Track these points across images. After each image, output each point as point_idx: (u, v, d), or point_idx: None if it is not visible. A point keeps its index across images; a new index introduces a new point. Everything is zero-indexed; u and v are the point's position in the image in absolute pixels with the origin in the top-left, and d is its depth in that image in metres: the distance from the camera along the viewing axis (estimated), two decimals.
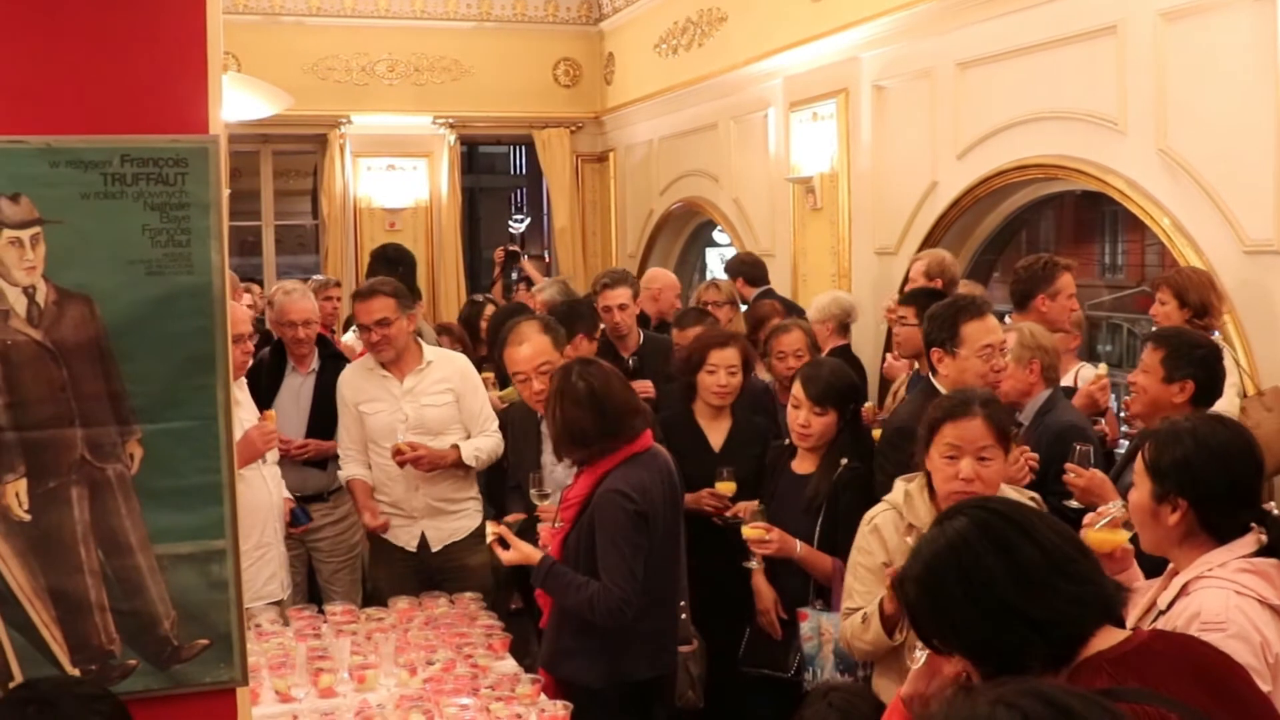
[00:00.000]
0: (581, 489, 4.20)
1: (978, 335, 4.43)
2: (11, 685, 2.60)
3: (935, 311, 4.64)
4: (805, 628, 4.49)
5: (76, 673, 2.81)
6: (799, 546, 4.62)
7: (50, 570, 2.79)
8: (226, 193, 2.93)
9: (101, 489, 2.79)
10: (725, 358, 5.38)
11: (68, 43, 2.78)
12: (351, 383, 5.68)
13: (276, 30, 11.81)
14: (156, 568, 2.83)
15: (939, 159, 7.64)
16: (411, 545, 5.59)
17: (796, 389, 4.76)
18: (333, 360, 6.18)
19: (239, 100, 7.10)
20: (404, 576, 5.48)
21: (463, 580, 5.35)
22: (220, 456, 2.85)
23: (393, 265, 6.66)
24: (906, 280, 6.85)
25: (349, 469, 5.69)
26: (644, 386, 5.95)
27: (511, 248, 11.09)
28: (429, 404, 5.55)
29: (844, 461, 4.72)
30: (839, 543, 4.45)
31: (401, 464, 5.42)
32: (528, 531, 4.65)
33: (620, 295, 6.72)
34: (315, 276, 9.13)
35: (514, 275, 11.12)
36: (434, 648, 4.28)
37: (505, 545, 4.29)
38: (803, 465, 4.87)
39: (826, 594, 4.62)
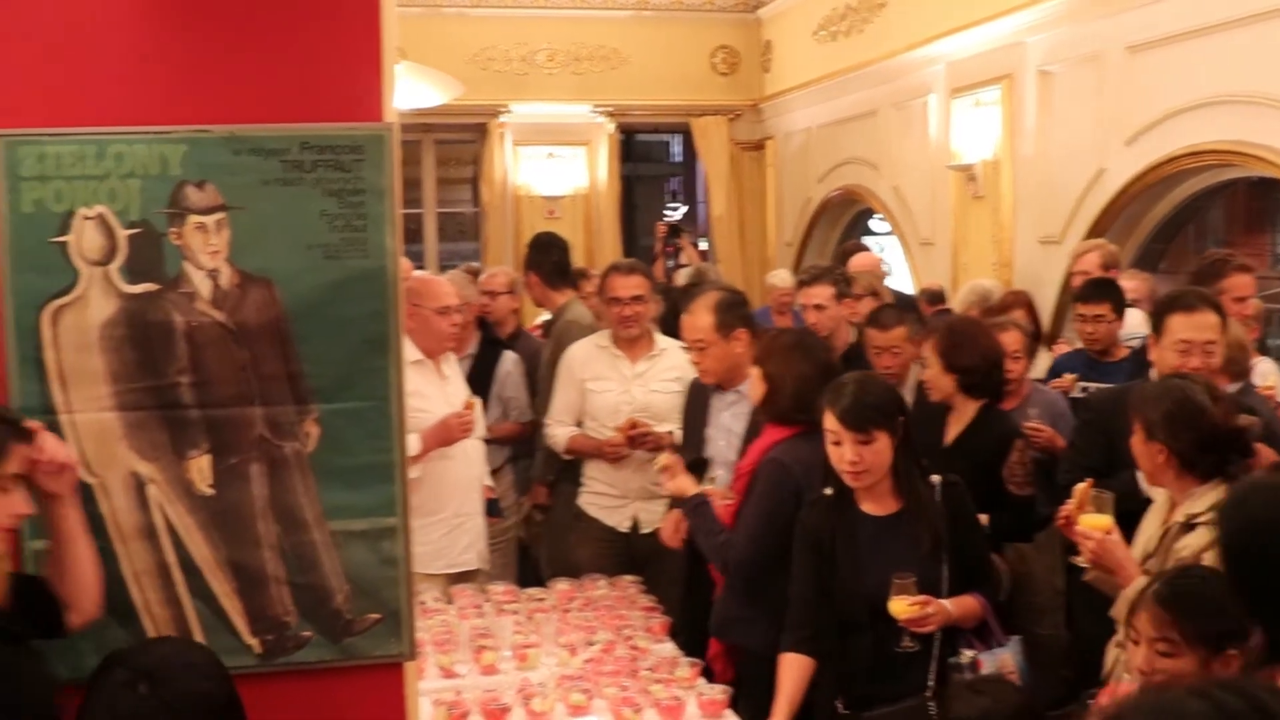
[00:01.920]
0: (750, 461, 4.28)
1: (1178, 329, 4.31)
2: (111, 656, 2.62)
3: (1159, 297, 4.59)
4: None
5: (255, 642, 2.92)
6: (950, 606, 3.72)
7: (231, 543, 2.90)
8: None
9: (280, 466, 2.89)
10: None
11: (249, 35, 2.89)
12: (580, 357, 5.75)
13: (439, 22, 12.00)
14: (330, 543, 2.93)
15: (1106, 145, 7.44)
16: (623, 526, 5.61)
17: (829, 420, 3.78)
18: (492, 345, 6.28)
19: (411, 88, 7.21)
20: (607, 557, 5.51)
21: (664, 565, 5.28)
22: (392, 436, 2.94)
23: (546, 250, 6.71)
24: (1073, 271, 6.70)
25: (561, 431, 5.75)
26: None
27: (673, 222, 11.10)
28: (657, 390, 5.58)
29: (935, 480, 3.88)
30: (971, 572, 3.86)
31: (631, 440, 5.45)
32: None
33: (819, 294, 6.14)
34: (491, 269, 9.25)
35: (675, 255, 11.14)
36: (594, 629, 4.34)
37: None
38: (875, 505, 3.85)
39: (982, 631, 3.90)
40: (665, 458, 4.56)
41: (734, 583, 4.33)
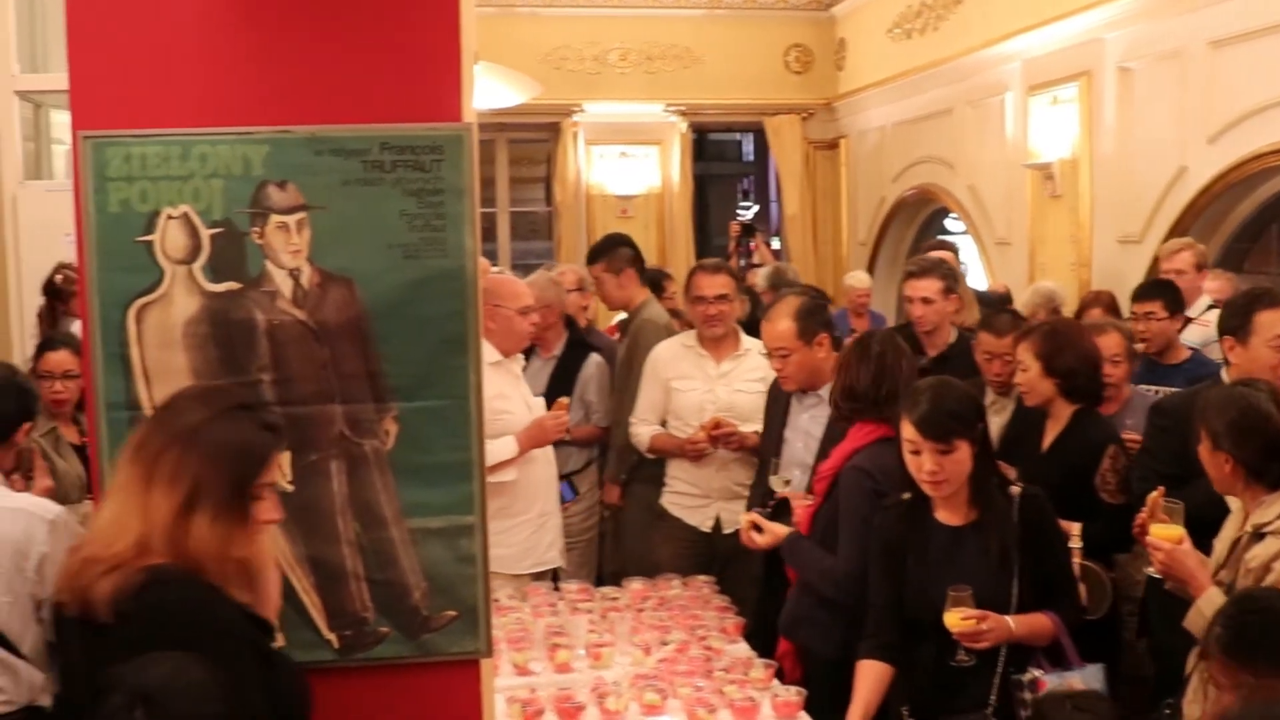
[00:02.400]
0: (834, 463, 4.25)
1: (1271, 325, 4.24)
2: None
3: (1232, 299, 4.49)
4: None
5: (333, 638, 2.95)
6: (1012, 623, 3.58)
7: (310, 539, 2.93)
8: None
9: (359, 463, 2.92)
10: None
11: (330, 36, 2.91)
12: (665, 357, 5.75)
13: (512, 22, 12.07)
14: (409, 541, 2.95)
15: (1188, 143, 7.33)
16: (705, 526, 5.59)
17: (906, 429, 3.66)
18: (577, 347, 6.28)
19: (489, 89, 7.24)
20: (688, 556, 5.50)
21: (745, 565, 5.20)
22: (471, 435, 2.95)
23: (622, 250, 6.67)
24: (1155, 270, 6.58)
25: (644, 429, 5.76)
26: None
27: (746, 221, 11.08)
28: (741, 390, 5.56)
29: (1014, 490, 3.74)
30: (1046, 589, 3.71)
31: (714, 438, 5.44)
32: None
33: (927, 287, 5.83)
34: (560, 267, 9.26)
35: (748, 255, 11.12)
36: (668, 629, 4.34)
37: (760, 531, 4.43)
38: (951, 514, 3.74)
39: (1055, 652, 3.72)
40: (747, 518, 4.54)
41: (805, 582, 4.31)
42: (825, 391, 4.76)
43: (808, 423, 4.92)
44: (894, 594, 3.74)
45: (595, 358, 6.25)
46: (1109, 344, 5.06)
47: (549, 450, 5.27)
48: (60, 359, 4.71)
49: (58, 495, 4.07)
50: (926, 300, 5.80)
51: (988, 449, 3.72)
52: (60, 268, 7.13)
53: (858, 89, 12.29)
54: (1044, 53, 8.74)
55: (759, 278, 7.46)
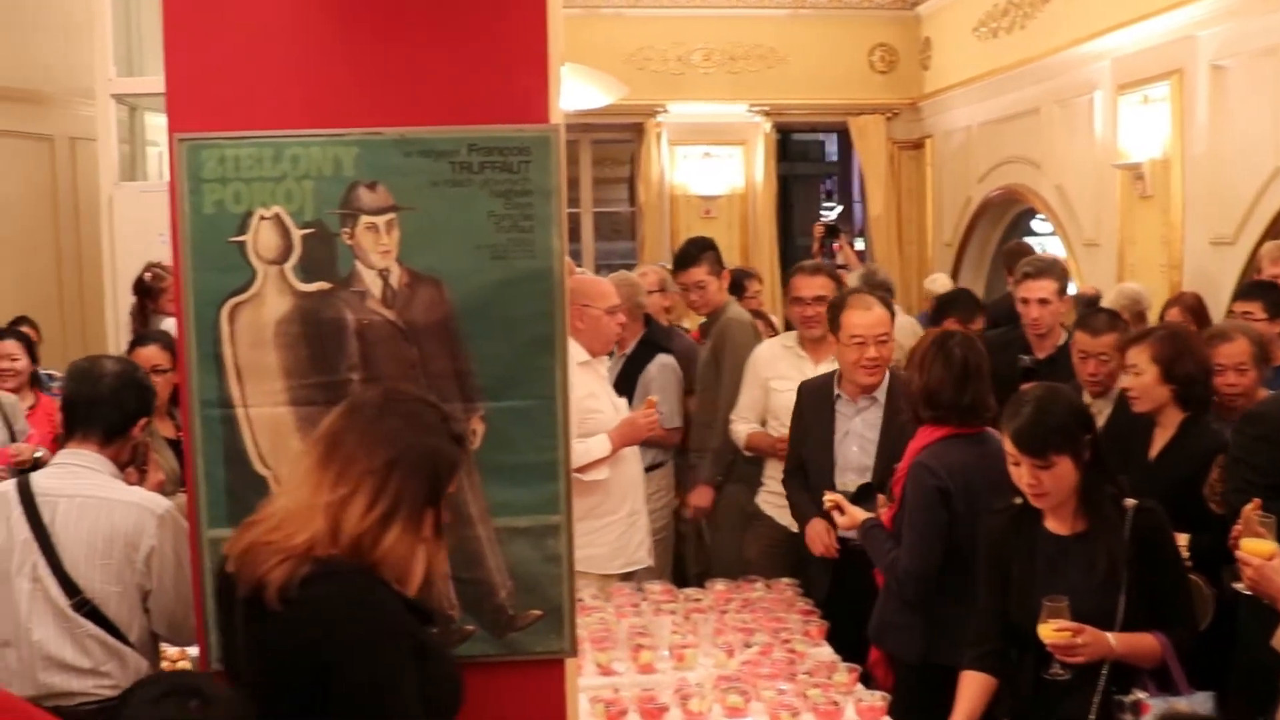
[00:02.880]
0: (906, 464, 4.22)
1: None
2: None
3: None
4: None
5: None
6: (1113, 640, 3.45)
7: None
8: None
9: None
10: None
11: (419, 38, 2.94)
12: (765, 357, 5.77)
13: (596, 22, 12.10)
14: (495, 539, 2.97)
15: None
16: (796, 527, 5.56)
17: (1006, 441, 3.58)
18: (647, 347, 6.28)
19: (576, 90, 7.27)
20: (778, 556, 5.48)
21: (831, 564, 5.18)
22: (558, 435, 2.97)
23: (711, 251, 6.65)
24: (1250, 272, 6.44)
25: (743, 427, 5.77)
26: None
27: (830, 222, 11.03)
28: None
29: (1129, 504, 3.57)
30: (1157, 608, 3.55)
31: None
32: None
33: (1045, 287, 5.77)
34: (641, 267, 9.26)
35: (832, 256, 11.06)
36: (751, 631, 4.33)
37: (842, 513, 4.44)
38: (1059, 524, 3.63)
39: (1164, 674, 3.57)
40: (830, 498, 4.53)
41: (894, 590, 4.27)
42: (880, 394, 4.85)
43: (861, 426, 4.95)
44: (999, 602, 3.66)
45: (662, 358, 6.23)
46: (1235, 351, 4.81)
47: (637, 449, 5.29)
48: (150, 354, 4.81)
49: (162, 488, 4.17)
50: (1044, 301, 5.72)
51: (1099, 459, 3.57)
52: (150, 266, 7.29)
53: (943, 88, 12.18)
54: (1134, 51, 8.59)
55: (850, 279, 7.41)
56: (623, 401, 5.35)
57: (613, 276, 6.50)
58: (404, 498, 2.43)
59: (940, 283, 9.66)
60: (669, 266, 7.13)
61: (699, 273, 6.24)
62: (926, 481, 4.07)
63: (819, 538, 4.91)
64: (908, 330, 7.18)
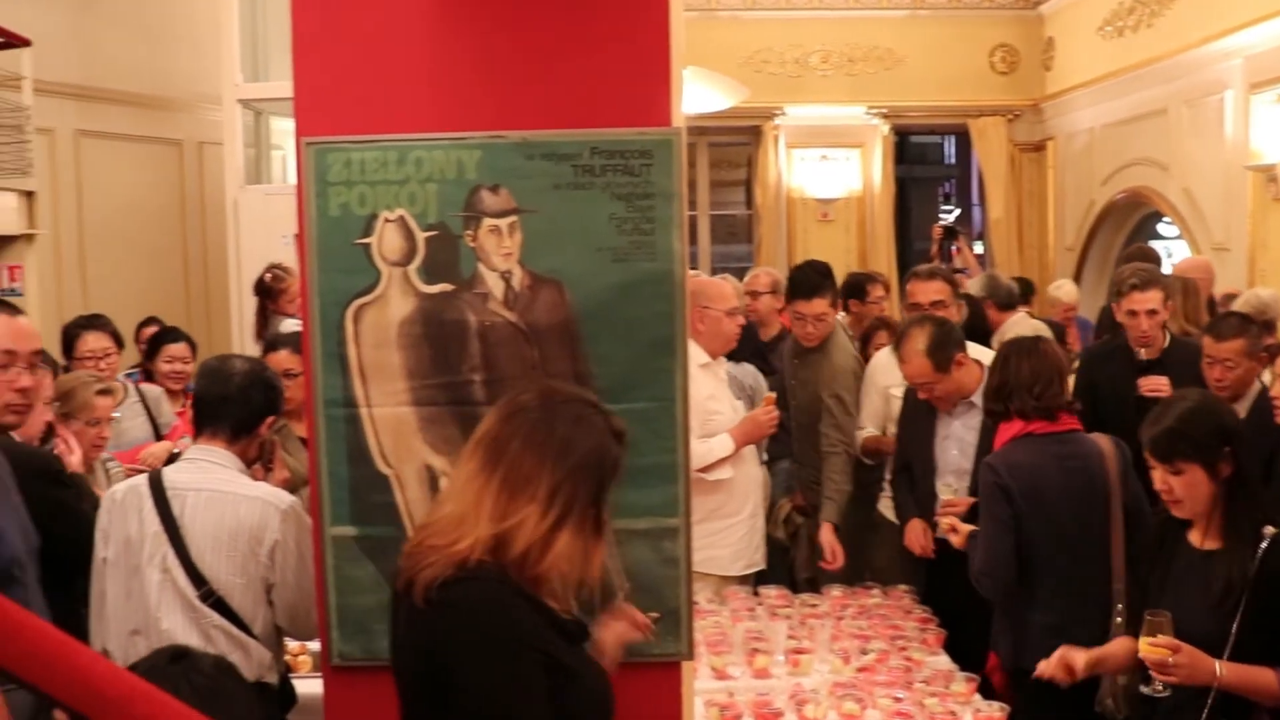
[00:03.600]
0: None
1: None
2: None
3: None
4: None
5: None
6: (1220, 667, 3.27)
7: None
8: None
9: None
10: None
11: (543, 43, 2.96)
12: (883, 364, 5.70)
13: (713, 25, 12.10)
14: (613, 541, 2.96)
15: None
16: None
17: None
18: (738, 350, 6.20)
19: (696, 93, 7.27)
20: (907, 561, 5.44)
21: (960, 568, 5.19)
22: (677, 437, 2.96)
23: (824, 276, 6.45)
24: None
25: (860, 433, 5.74)
26: (1155, 384, 5.53)
27: (949, 224, 10.89)
28: None
29: (1268, 530, 3.36)
30: (1273, 642, 3.32)
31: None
32: None
33: (1153, 298, 5.59)
34: (754, 270, 9.22)
35: (950, 258, 10.92)
36: (868, 638, 4.29)
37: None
38: (1199, 537, 3.50)
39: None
40: (946, 522, 4.50)
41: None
42: (977, 397, 4.79)
43: (961, 429, 4.94)
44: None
45: (747, 367, 6.17)
46: None
47: (754, 450, 5.28)
48: (281, 359, 4.91)
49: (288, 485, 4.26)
50: (1152, 312, 5.57)
51: (1239, 477, 3.42)
52: (270, 268, 7.43)
53: (1066, 89, 11.97)
54: (1268, 48, 8.37)
55: (972, 284, 7.29)
56: (739, 404, 5.34)
57: (718, 278, 6.49)
58: (574, 503, 2.40)
59: (1066, 290, 9.46)
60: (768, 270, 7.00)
61: (822, 304, 5.86)
62: (988, 478, 4.12)
63: (917, 538, 4.95)
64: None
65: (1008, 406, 4.18)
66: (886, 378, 5.64)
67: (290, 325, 7.27)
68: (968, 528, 4.34)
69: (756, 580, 5.29)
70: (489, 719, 2.35)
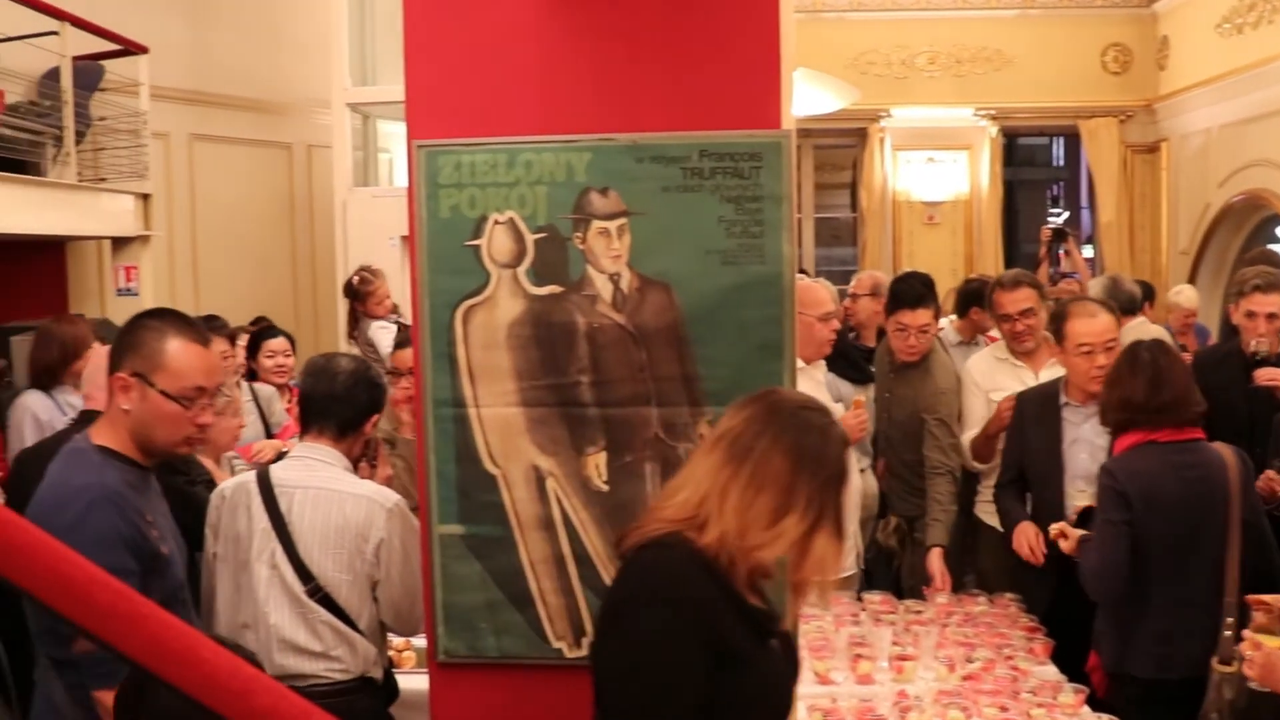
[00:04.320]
0: None
1: None
2: None
3: None
4: None
5: None
6: None
7: None
8: None
9: (672, 466, 2.95)
10: None
11: (653, 45, 2.96)
12: (982, 369, 5.67)
13: (818, 27, 12.04)
14: None
15: None
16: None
17: None
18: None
19: (805, 95, 7.23)
20: (1010, 569, 5.37)
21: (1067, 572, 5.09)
22: None
23: (928, 287, 6.36)
24: None
25: (964, 436, 5.67)
26: (1271, 375, 5.39)
27: (1057, 225, 10.70)
28: None
29: None
30: None
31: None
32: None
33: (1272, 303, 5.48)
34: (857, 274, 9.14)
35: (1058, 260, 10.74)
36: (973, 646, 4.23)
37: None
38: None
39: None
40: (1055, 527, 4.44)
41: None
42: None
43: (1090, 433, 4.78)
44: None
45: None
46: None
47: (853, 456, 5.24)
48: (406, 356, 4.99)
49: (396, 485, 4.31)
50: (1272, 316, 5.43)
51: None
52: (359, 270, 7.55)
53: (1181, 89, 11.72)
54: None
55: (1093, 287, 7.16)
56: (838, 407, 5.28)
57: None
58: (828, 510, 2.40)
59: (1186, 295, 9.24)
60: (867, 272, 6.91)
61: (926, 315, 5.73)
62: (1105, 483, 4.07)
63: (1026, 540, 4.77)
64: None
65: (1131, 417, 4.12)
66: (987, 382, 5.57)
67: (377, 327, 7.40)
68: (1078, 533, 4.29)
69: (861, 585, 5.25)
70: (631, 672, 2.32)
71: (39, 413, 5.74)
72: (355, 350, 7.34)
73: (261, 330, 6.94)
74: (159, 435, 3.00)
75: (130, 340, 3.03)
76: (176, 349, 3.00)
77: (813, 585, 2.50)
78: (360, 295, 7.49)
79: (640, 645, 2.32)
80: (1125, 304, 6.82)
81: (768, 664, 2.48)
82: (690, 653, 2.31)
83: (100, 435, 3.02)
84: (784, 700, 2.53)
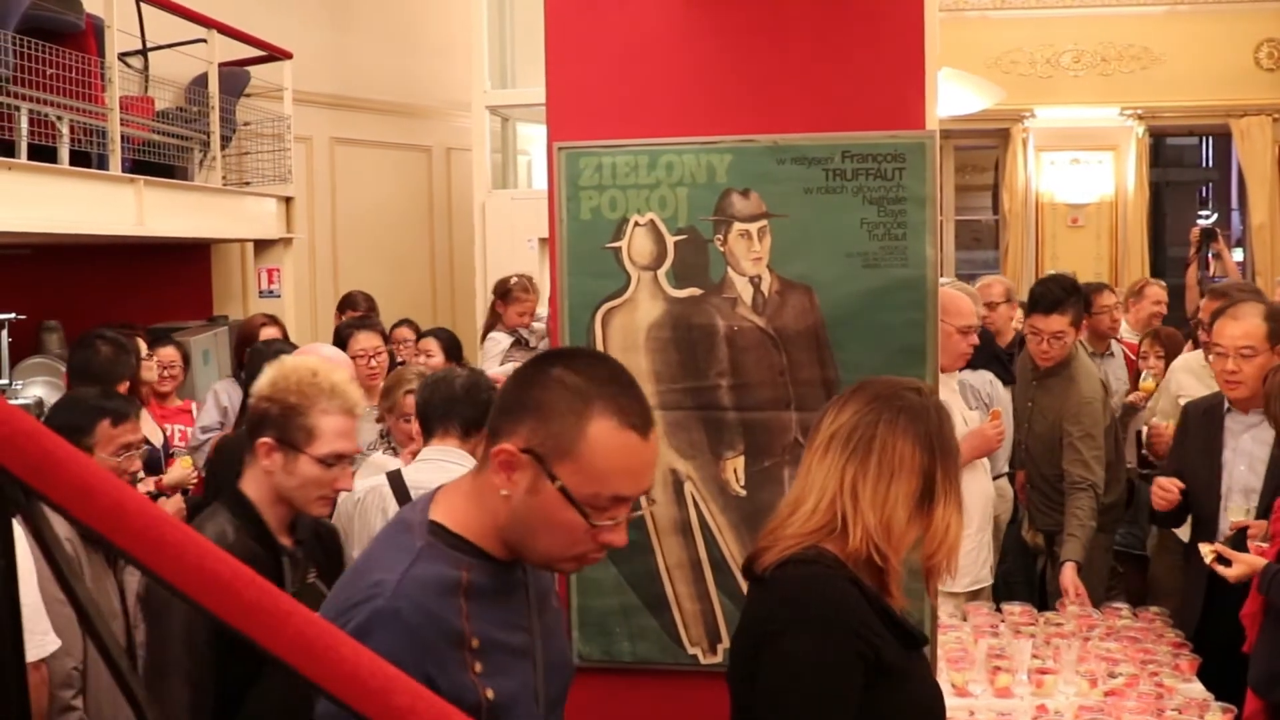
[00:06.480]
0: None
1: None
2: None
3: None
4: None
5: None
6: None
7: None
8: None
9: None
10: None
11: (795, 46, 2.94)
12: (1192, 368, 5.61)
13: (960, 25, 11.85)
14: None
15: None
16: (1185, 537, 5.31)
17: None
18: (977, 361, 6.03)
19: (949, 95, 7.10)
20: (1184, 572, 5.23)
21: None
22: None
23: (1068, 292, 6.16)
24: None
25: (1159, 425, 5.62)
26: None
27: (1207, 226, 10.40)
28: None
29: None
30: None
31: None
32: None
33: None
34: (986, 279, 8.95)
35: (1207, 263, 10.44)
36: (1117, 660, 4.12)
37: (1225, 562, 4.05)
38: None
39: None
40: (1209, 549, 4.17)
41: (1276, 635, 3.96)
42: None
43: (1251, 444, 4.56)
44: None
45: (984, 374, 5.97)
46: None
47: (985, 463, 5.13)
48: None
49: None
50: None
51: None
52: (520, 276, 7.61)
53: None
54: None
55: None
56: (974, 415, 5.19)
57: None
58: (953, 483, 2.39)
59: None
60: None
61: (1060, 321, 5.50)
62: None
63: (1160, 486, 4.59)
64: None
65: None
66: (1181, 387, 5.43)
67: (494, 338, 7.51)
68: (1246, 557, 4.06)
69: (998, 595, 5.14)
70: (791, 698, 2.29)
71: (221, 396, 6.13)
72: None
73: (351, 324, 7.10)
74: None
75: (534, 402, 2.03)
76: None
77: (944, 565, 2.43)
78: (509, 296, 7.55)
79: (800, 671, 2.29)
80: None
81: (920, 680, 2.45)
82: (850, 675, 2.28)
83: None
84: (940, 710, 2.49)
